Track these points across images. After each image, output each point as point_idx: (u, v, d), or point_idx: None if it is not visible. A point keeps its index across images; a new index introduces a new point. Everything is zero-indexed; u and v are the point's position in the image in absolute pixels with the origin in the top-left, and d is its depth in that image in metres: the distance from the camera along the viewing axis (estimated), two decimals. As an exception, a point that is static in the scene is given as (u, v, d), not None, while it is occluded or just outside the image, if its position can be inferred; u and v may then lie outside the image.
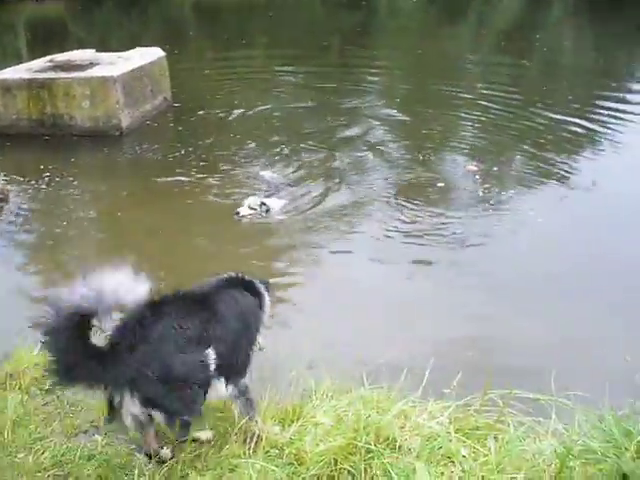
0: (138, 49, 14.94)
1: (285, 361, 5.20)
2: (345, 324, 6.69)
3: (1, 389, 5.07)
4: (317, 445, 4.00)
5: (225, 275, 4.50)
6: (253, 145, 12.41)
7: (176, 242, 8.80)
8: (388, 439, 3.94)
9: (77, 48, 16.74)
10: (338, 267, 8.13)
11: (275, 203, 9.69)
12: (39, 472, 4.16)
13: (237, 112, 14.49)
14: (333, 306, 7.11)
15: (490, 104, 14.68)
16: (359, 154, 11.83)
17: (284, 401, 4.69)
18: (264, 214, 9.40)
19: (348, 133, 13.10)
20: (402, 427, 4.10)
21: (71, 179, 11.01)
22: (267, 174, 10.78)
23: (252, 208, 9.41)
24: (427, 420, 4.18)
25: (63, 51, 15.73)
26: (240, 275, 4.54)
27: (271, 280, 5.02)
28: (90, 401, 4.78)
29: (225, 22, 31.33)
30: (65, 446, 4.40)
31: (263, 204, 9.47)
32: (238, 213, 9.34)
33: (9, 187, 10.21)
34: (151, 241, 8.85)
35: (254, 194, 9.99)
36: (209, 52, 22.65)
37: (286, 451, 4.12)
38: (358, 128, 13.37)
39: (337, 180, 10.68)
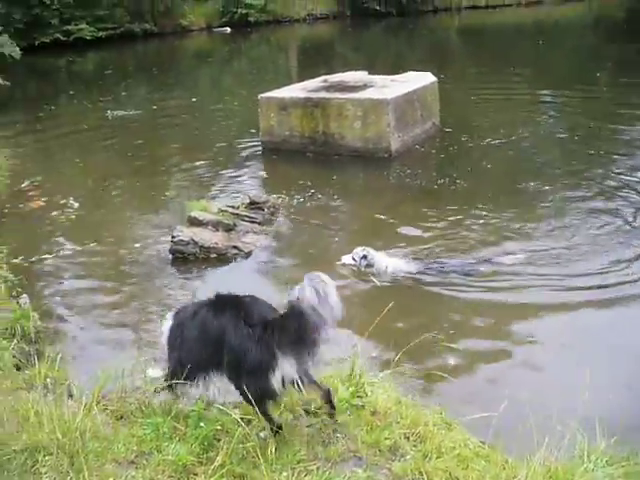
0: (410, 73, 15.03)
1: (550, 414, 4.86)
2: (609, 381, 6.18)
3: (268, 404, 5.15)
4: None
5: None
6: (511, 184, 11.60)
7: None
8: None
9: (344, 68, 17.18)
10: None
11: (388, 261, 8.55)
12: (303, 495, 4.16)
13: (500, 141, 14.09)
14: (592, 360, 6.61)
15: None
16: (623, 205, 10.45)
17: (551, 459, 4.37)
18: (363, 268, 8.47)
19: (622, 177, 11.77)
20: None
21: (335, 197, 11.21)
22: None
23: (353, 259, 8.60)
24: None
25: (331, 71, 16.19)
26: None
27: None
28: (352, 431, 4.73)
29: (491, 46, 30.99)
30: (328, 472, 4.36)
31: (364, 257, 8.53)
32: (340, 260, 8.65)
33: (279, 201, 10.57)
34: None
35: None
36: (475, 77, 22.39)
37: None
38: (631, 172, 12.04)
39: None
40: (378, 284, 8.18)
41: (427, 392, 6.04)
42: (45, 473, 3.97)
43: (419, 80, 14.28)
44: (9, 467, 3.98)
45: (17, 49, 22.61)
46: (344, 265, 8.64)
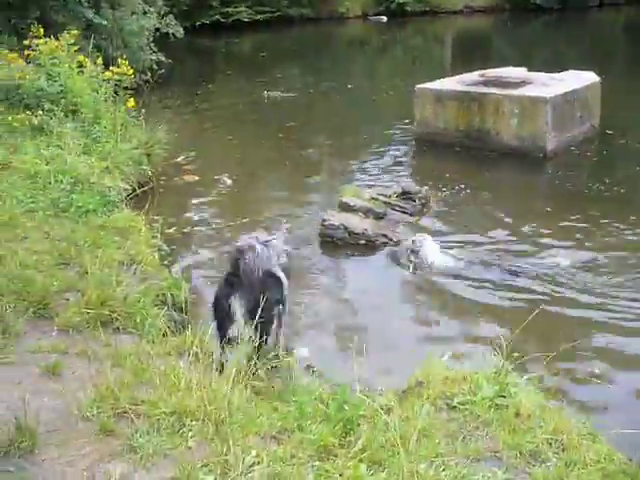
0: (571, 72, 14.56)
1: None
2: None
3: (410, 395, 5.14)
4: None
5: None
6: None
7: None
8: None
9: (499, 63, 16.82)
10: None
11: (436, 255, 8.44)
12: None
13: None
14: None
15: None
16: None
17: None
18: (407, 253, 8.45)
19: None
20: None
21: (485, 193, 11.05)
22: None
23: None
24: None
25: (485, 65, 15.87)
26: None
27: None
28: (494, 430, 4.64)
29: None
30: (466, 469, 4.30)
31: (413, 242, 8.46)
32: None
33: (431, 193, 10.48)
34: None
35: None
36: (636, 77, 21.39)
37: None
38: None
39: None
40: (409, 272, 8.28)
41: (572, 399, 5.87)
42: (192, 437, 4.11)
43: (580, 79, 13.82)
44: (159, 427, 4.15)
45: (180, 29, 23.40)
46: None
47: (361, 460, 4.19)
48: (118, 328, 5.71)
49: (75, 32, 12.80)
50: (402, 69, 26.23)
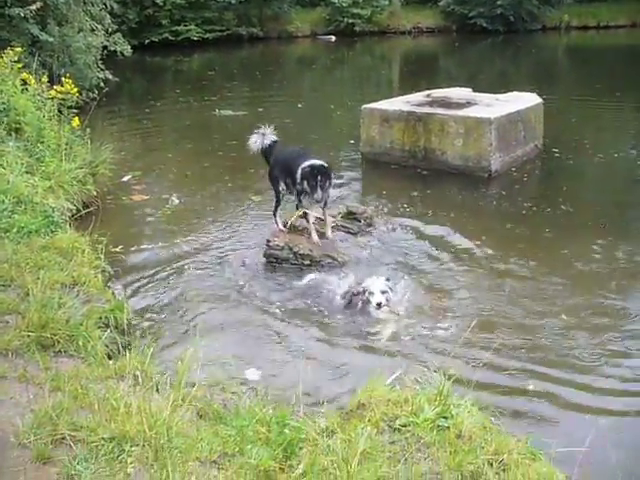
0: (515, 93, 14.83)
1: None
2: None
3: (352, 417, 5.12)
4: None
5: None
6: (620, 213, 11.13)
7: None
8: None
9: (446, 83, 17.03)
10: None
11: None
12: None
13: (605, 165, 13.82)
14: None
15: None
16: None
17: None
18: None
19: None
20: None
21: (428, 212, 11.14)
22: None
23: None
24: None
25: (432, 85, 16.10)
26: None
27: None
28: (436, 452, 4.65)
29: (598, 68, 30.20)
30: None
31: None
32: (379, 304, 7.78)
33: (376, 213, 10.50)
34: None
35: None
36: (577, 98, 21.78)
37: None
38: None
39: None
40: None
41: (513, 417, 5.92)
42: (130, 463, 4.05)
43: (524, 101, 14.08)
44: (98, 453, 4.09)
45: (128, 47, 23.16)
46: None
47: (302, 484, 4.17)
48: (60, 351, 5.62)
49: (19, 49, 12.64)
50: (351, 89, 26.40)
